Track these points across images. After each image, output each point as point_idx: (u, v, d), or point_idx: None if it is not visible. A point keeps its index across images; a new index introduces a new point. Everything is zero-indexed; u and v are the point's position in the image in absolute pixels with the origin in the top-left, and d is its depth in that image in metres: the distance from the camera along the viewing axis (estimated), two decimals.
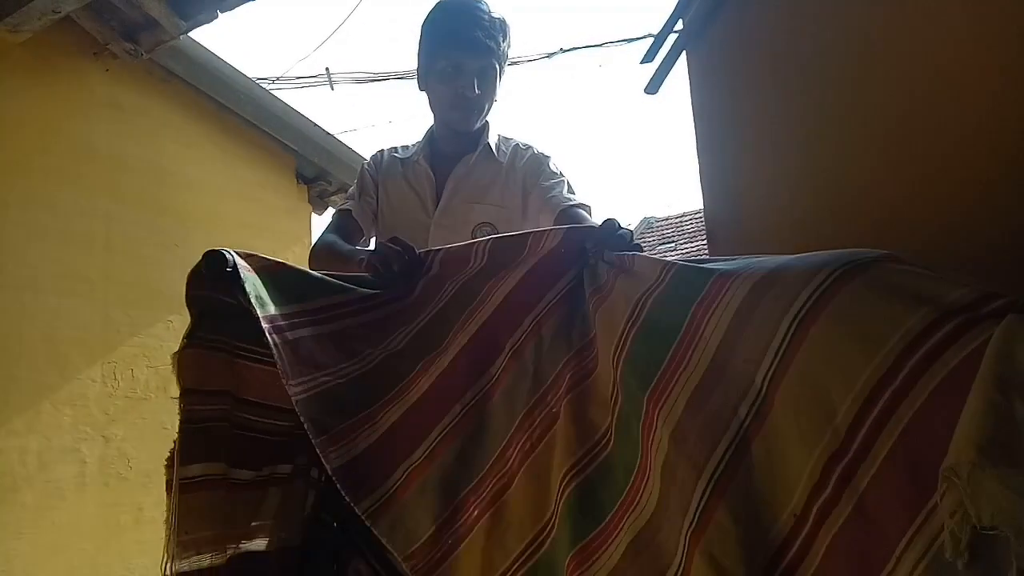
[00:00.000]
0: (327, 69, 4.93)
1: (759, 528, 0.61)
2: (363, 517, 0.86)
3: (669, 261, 0.82)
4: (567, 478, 0.77)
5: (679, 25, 1.39)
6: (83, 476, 2.28)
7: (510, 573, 0.80)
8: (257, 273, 1.01)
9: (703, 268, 0.75)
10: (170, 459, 1.02)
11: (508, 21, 1.50)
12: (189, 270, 1.02)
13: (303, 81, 4.74)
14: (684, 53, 1.38)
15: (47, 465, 2.20)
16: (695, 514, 0.64)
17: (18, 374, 2.16)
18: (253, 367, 1.07)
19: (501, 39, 1.49)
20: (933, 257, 1.06)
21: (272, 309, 0.98)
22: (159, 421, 2.48)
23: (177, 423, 1.01)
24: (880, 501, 0.56)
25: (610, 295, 0.90)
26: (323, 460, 0.90)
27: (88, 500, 2.29)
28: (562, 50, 5.09)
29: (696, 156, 1.34)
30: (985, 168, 1.05)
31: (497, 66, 1.50)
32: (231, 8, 2.40)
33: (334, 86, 4.94)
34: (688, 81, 1.38)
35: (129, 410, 2.43)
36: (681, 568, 0.66)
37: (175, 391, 1.03)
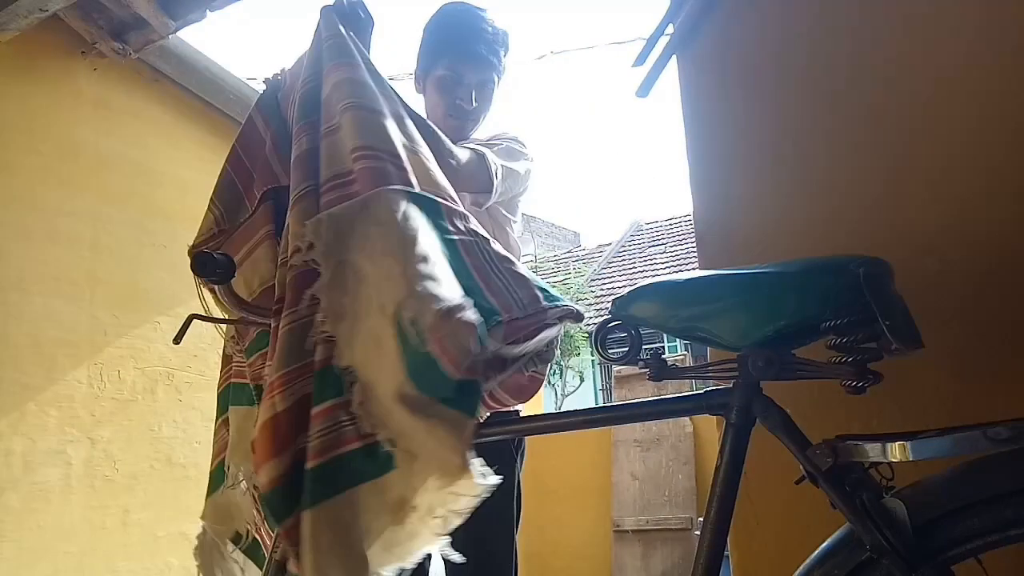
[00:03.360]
0: None
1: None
2: None
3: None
4: None
5: (670, 29, 1.39)
6: (69, 478, 2.26)
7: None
8: None
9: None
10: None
11: (509, 32, 1.51)
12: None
13: None
14: (675, 57, 1.39)
15: (32, 467, 2.18)
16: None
17: (3, 375, 2.14)
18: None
19: (503, 53, 1.50)
20: (929, 263, 1.06)
21: None
22: (146, 423, 2.45)
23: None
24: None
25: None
26: None
27: (74, 503, 2.27)
28: (552, 52, 5.11)
29: (686, 159, 1.35)
30: (984, 175, 1.06)
31: (496, 79, 1.51)
32: (220, 7, 2.38)
33: None
34: (679, 85, 1.38)
35: (116, 412, 2.41)
36: None
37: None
